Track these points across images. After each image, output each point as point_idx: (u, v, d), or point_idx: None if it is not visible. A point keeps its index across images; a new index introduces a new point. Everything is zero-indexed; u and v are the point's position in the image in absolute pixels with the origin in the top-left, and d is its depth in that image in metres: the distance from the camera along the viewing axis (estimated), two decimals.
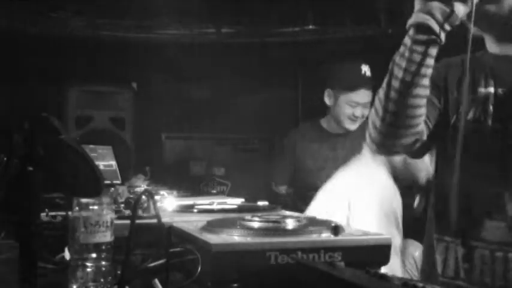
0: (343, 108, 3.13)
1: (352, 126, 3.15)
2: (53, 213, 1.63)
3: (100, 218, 1.19)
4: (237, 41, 4.56)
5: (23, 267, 1.06)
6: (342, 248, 1.26)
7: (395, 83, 1.44)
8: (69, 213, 1.22)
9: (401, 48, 1.46)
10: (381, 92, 1.49)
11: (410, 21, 1.43)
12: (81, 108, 4.37)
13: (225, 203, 2.01)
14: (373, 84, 3.06)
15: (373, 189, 2.19)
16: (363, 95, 3.09)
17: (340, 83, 3.15)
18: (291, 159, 3.28)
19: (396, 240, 2.12)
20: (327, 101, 3.22)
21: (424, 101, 1.46)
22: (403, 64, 1.43)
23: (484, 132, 1.50)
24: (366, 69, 3.09)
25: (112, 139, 4.08)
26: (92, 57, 4.37)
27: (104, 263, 1.19)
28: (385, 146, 1.55)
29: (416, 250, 2.42)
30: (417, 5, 1.42)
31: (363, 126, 3.07)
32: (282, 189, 3.26)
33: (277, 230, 1.32)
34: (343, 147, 3.12)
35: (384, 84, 1.48)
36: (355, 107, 3.11)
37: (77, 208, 1.19)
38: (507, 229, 1.47)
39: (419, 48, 1.42)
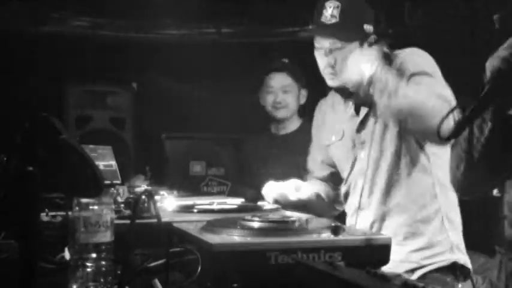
0: (266, 99, 3.28)
1: (279, 114, 3.26)
2: (53, 213, 1.63)
3: (100, 218, 1.19)
4: (237, 41, 4.55)
5: (23, 267, 1.06)
6: (342, 248, 1.26)
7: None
8: (69, 213, 1.22)
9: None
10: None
11: None
12: (81, 108, 4.36)
13: (225, 203, 2.01)
14: (291, 70, 3.27)
15: None
16: (277, 79, 3.25)
17: (261, 76, 3.35)
18: (241, 162, 3.38)
19: None
20: (262, 102, 3.34)
21: None
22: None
23: None
24: (283, 59, 3.32)
25: (112, 139, 4.08)
26: (92, 57, 4.37)
27: (104, 263, 1.20)
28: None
29: None
30: None
31: (306, 128, 3.15)
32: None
33: (277, 230, 1.32)
34: (282, 147, 3.25)
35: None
36: (272, 92, 3.25)
37: (77, 208, 1.19)
38: None
39: None
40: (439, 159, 2.06)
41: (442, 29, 3.92)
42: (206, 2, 4.25)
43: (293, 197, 2.10)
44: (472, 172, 1.45)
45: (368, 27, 2.12)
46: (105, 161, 2.94)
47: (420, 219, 2.09)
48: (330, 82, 2.19)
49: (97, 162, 1.95)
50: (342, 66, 2.11)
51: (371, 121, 2.15)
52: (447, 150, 1.98)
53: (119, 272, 1.22)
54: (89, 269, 1.18)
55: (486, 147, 1.38)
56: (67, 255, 1.34)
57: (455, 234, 2.12)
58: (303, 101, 3.31)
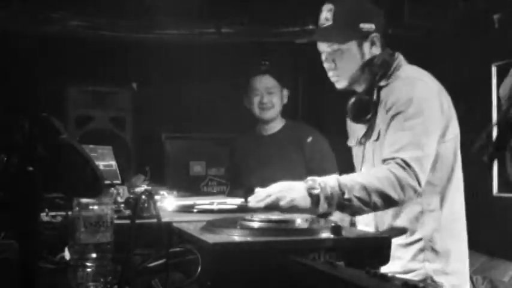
0: (252, 99, 3.35)
1: (266, 114, 3.34)
2: (53, 213, 1.63)
3: (100, 218, 1.19)
4: (237, 41, 4.56)
5: (23, 267, 1.06)
6: (342, 248, 1.26)
7: None
8: (69, 213, 1.22)
9: None
10: None
11: None
12: (81, 108, 4.37)
13: (225, 203, 2.01)
14: (274, 72, 3.35)
15: None
16: (261, 81, 3.33)
17: (246, 79, 3.43)
18: (234, 164, 3.54)
19: None
20: (246, 104, 3.44)
21: None
22: None
23: None
24: (265, 62, 3.39)
25: (112, 139, 4.09)
26: (92, 57, 4.38)
27: (104, 263, 1.20)
28: None
29: None
30: None
31: (288, 127, 3.34)
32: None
33: (277, 230, 1.32)
34: (270, 147, 3.32)
35: None
36: (258, 94, 3.32)
37: (77, 208, 1.19)
38: None
39: None
40: (432, 186, 1.99)
41: (442, 29, 3.92)
42: (206, 2, 4.25)
43: (282, 205, 1.86)
44: None
45: (366, 26, 2.07)
46: (105, 161, 2.94)
47: (400, 244, 2.02)
48: (336, 85, 2.15)
49: (97, 162, 1.95)
50: (341, 68, 2.09)
51: (373, 135, 2.07)
52: (442, 174, 1.99)
53: (119, 272, 1.22)
54: (89, 269, 1.19)
55: None
56: (67, 255, 1.34)
57: (440, 264, 2.01)
58: (285, 100, 3.40)
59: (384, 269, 1.88)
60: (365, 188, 1.83)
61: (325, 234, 1.29)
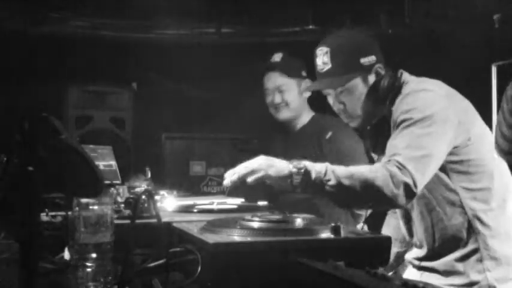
0: (266, 100, 3.15)
1: (281, 115, 3.12)
2: (53, 213, 1.63)
3: (100, 218, 1.19)
4: (237, 41, 4.56)
5: (23, 268, 1.06)
6: (342, 248, 1.26)
7: None
8: (69, 213, 1.22)
9: None
10: (509, 93, 1.37)
11: None
12: (81, 108, 4.36)
13: (225, 203, 2.01)
14: (283, 68, 3.06)
15: None
16: (270, 79, 3.10)
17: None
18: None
19: None
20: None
21: None
22: None
23: None
24: (276, 56, 3.11)
25: (112, 139, 4.08)
26: (92, 57, 4.37)
27: (104, 263, 1.20)
28: None
29: None
30: None
31: (314, 123, 3.09)
32: None
33: (277, 230, 1.32)
34: (295, 143, 3.10)
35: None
36: (270, 93, 3.11)
37: (77, 208, 1.20)
38: None
39: None
40: (471, 191, 1.92)
41: (442, 30, 3.92)
42: (206, 2, 4.25)
43: (250, 179, 1.73)
44: None
45: (367, 60, 2.01)
46: (105, 161, 2.95)
47: (456, 258, 1.95)
48: (351, 125, 2.10)
49: (97, 162, 1.96)
50: (352, 107, 2.05)
51: None
52: (479, 177, 1.90)
53: (119, 272, 1.22)
54: (89, 269, 1.19)
55: None
56: (67, 255, 1.34)
57: (502, 271, 1.92)
58: (307, 94, 3.11)
59: (448, 283, 1.91)
60: (354, 178, 1.74)
61: (325, 234, 1.30)
